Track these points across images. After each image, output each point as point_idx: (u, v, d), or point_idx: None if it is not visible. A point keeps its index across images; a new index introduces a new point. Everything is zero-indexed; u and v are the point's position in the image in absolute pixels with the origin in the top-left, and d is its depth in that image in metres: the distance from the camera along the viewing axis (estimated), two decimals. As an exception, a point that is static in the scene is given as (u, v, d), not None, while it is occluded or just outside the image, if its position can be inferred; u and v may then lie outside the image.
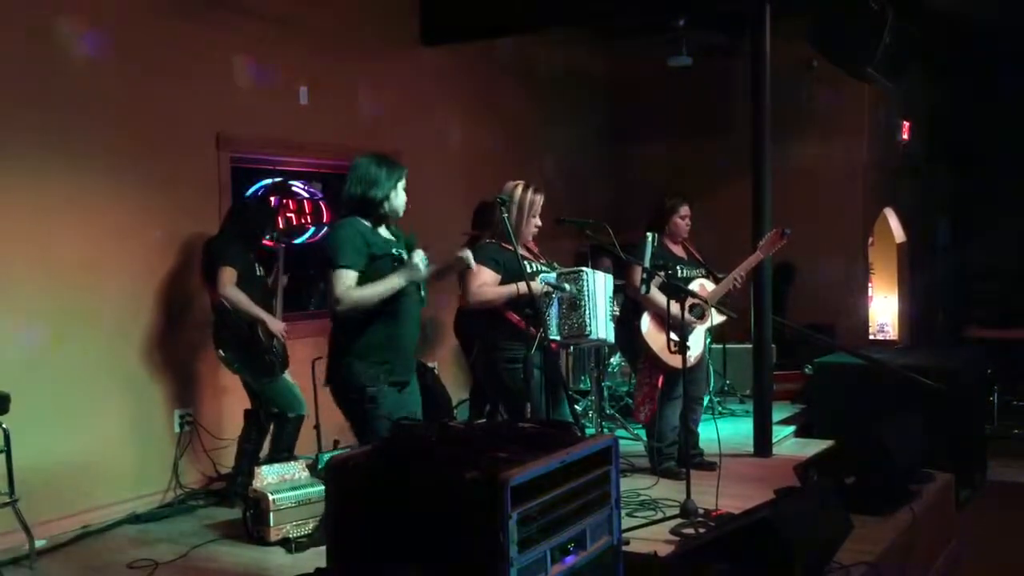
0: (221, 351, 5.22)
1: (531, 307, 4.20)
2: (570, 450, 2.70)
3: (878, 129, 9.35)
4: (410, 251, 3.77)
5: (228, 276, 5.04)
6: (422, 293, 3.85)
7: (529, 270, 4.31)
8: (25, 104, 4.81)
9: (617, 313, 5.26)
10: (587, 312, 4.32)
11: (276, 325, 5.19)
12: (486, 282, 4.28)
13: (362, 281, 3.68)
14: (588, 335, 4.35)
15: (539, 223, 4.47)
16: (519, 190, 4.39)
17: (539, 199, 4.42)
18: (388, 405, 3.70)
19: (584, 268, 4.45)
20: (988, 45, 9.32)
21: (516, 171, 4.57)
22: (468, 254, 3.89)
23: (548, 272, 4.40)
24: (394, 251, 3.80)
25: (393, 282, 3.68)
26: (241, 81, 5.88)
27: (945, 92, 10.78)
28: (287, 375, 5.30)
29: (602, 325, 4.43)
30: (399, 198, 3.84)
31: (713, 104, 8.83)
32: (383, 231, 3.85)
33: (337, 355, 3.78)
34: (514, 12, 6.93)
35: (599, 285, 4.43)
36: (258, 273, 5.32)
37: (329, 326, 3.85)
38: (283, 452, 5.23)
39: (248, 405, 5.43)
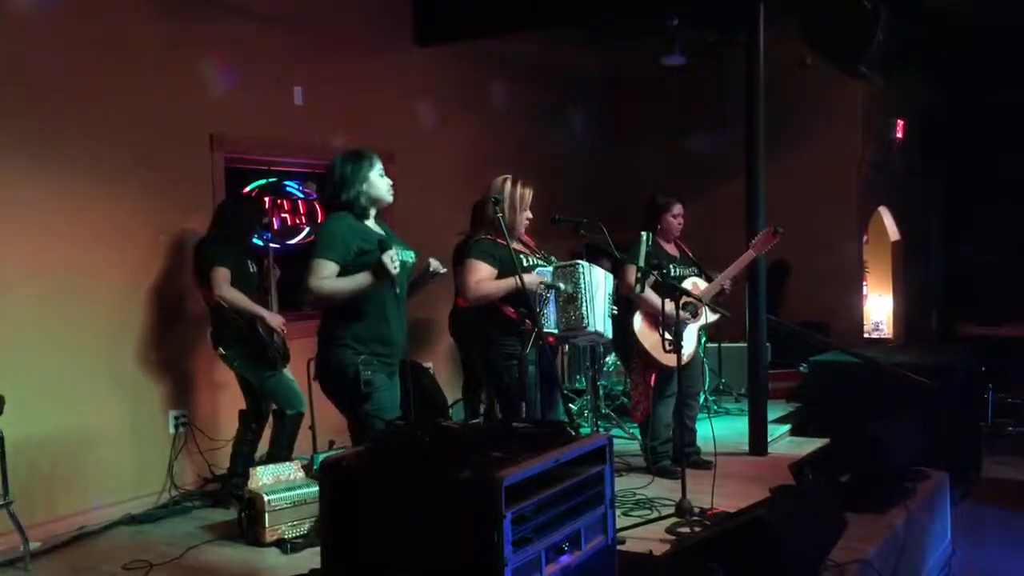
0: (221, 349, 5.21)
1: (525, 304, 4.20)
2: (564, 449, 2.69)
3: (872, 127, 9.36)
4: (383, 250, 3.68)
5: (222, 276, 5.04)
6: (398, 291, 3.79)
7: (525, 264, 4.31)
8: (17, 106, 4.79)
9: (615, 311, 5.26)
10: (584, 304, 4.30)
11: (275, 320, 5.19)
12: (483, 277, 4.27)
13: (345, 275, 3.69)
14: (586, 327, 4.33)
15: (530, 215, 4.46)
16: (508, 185, 4.39)
17: (528, 192, 4.42)
18: (383, 390, 3.71)
19: (580, 261, 4.43)
20: (985, 44, 9.33)
21: (510, 171, 4.55)
22: (436, 263, 3.92)
23: (545, 267, 4.39)
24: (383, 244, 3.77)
25: (359, 279, 3.66)
26: (236, 81, 5.86)
27: (940, 90, 10.81)
28: (287, 371, 5.29)
29: (600, 319, 4.41)
30: (375, 188, 3.81)
31: (707, 103, 8.84)
32: (372, 225, 3.84)
33: (328, 344, 3.77)
34: (508, 12, 6.93)
35: (597, 278, 4.42)
36: (251, 270, 5.32)
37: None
38: (283, 449, 5.22)
39: (243, 405, 5.42)
